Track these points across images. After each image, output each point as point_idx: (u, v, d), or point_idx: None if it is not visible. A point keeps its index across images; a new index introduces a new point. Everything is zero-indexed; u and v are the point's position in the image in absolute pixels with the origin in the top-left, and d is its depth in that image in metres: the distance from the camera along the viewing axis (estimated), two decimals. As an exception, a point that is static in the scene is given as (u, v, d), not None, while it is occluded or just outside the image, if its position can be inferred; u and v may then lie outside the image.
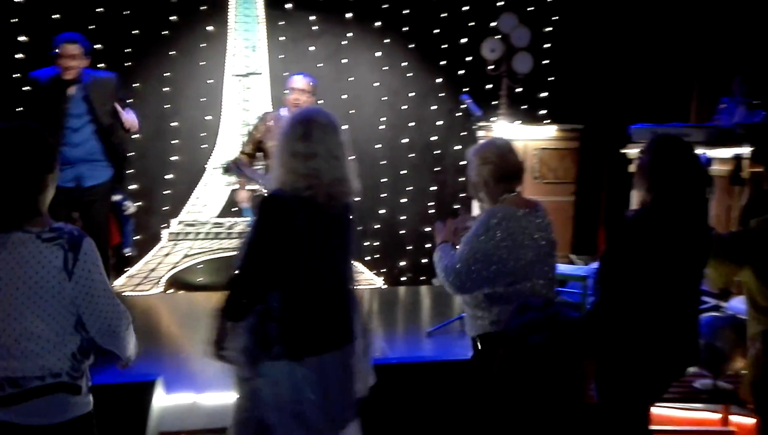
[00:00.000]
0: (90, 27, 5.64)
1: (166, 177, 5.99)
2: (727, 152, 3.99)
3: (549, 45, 6.47)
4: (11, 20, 5.51)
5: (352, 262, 2.35)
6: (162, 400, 2.98)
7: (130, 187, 5.81)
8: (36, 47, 5.46)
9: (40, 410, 1.89)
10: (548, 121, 6.41)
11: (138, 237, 5.75)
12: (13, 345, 1.88)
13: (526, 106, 6.47)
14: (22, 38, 5.53)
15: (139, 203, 5.60)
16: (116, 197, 5.43)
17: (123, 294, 5.82)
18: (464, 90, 6.14)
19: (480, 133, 5.72)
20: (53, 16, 5.57)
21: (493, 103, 6.23)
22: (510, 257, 2.40)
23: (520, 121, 6.24)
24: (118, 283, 5.86)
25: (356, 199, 2.31)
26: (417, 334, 4.92)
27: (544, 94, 6.52)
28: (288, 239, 2.11)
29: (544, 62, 6.43)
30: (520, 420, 1.45)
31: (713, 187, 4.04)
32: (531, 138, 5.91)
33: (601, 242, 6.47)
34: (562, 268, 4.31)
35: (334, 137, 2.22)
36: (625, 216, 2.55)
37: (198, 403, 3.32)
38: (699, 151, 4.04)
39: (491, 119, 5.98)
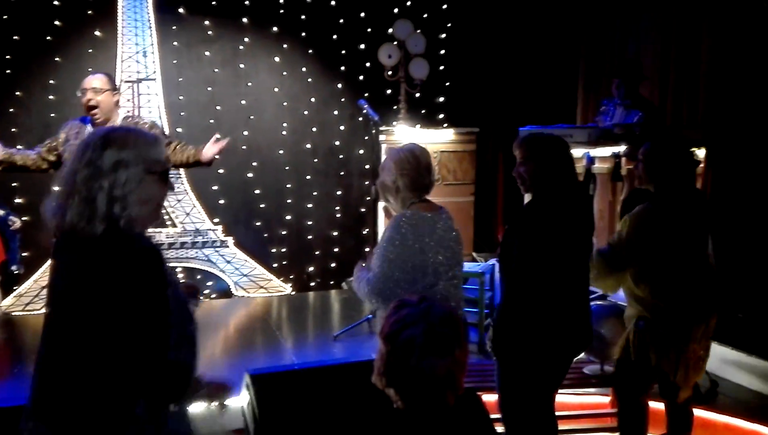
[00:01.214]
0: (-37, 32, 5.29)
1: (54, 189, 5.67)
2: (607, 151, 4.27)
3: (444, 51, 6.68)
4: None
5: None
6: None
7: (17, 201, 5.48)
8: None
9: None
10: (446, 124, 6.61)
11: (26, 253, 5.42)
12: None
13: (424, 111, 6.64)
14: None
15: (26, 218, 5.28)
16: (0, 212, 5.12)
17: (12, 314, 5.46)
18: (363, 95, 6.22)
19: (381, 138, 5.82)
20: None
21: (393, 107, 6.35)
22: (423, 259, 2.46)
23: (420, 125, 6.40)
24: (6, 302, 5.49)
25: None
26: (326, 338, 4.93)
27: (441, 99, 6.72)
28: None
29: (440, 68, 6.63)
30: (403, 413, 1.51)
31: (596, 184, 4.31)
32: (430, 141, 6.06)
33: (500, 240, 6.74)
34: (464, 265, 4.45)
35: (85, 156, 1.65)
36: (520, 211, 2.68)
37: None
38: (582, 150, 4.33)
39: (392, 123, 6.10)
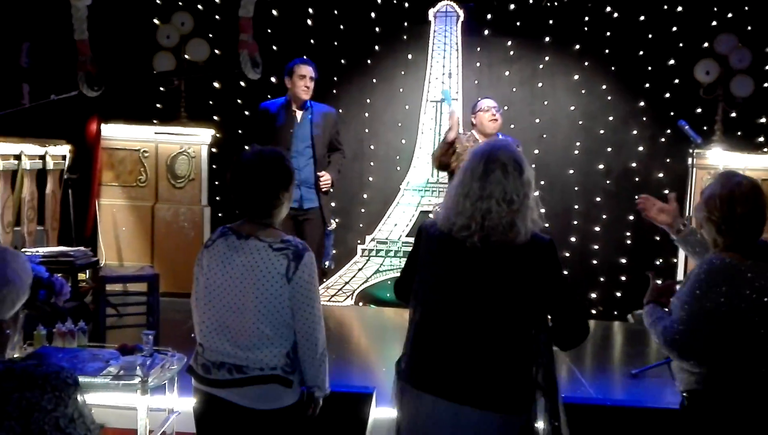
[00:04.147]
0: (303, 57, 6.13)
1: (363, 196, 6.30)
2: None
3: (771, 66, 5.87)
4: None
5: (513, 314, 2.02)
6: (373, 412, 3.09)
7: (331, 205, 6.19)
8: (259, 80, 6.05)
9: (256, 396, 2.14)
10: (767, 149, 5.82)
11: (335, 251, 6.09)
12: (241, 337, 2.15)
13: (740, 133, 5.92)
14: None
15: (338, 220, 5.93)
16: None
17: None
18: (669, 114, 5.79)
19: (689, 161, 5.32)
20: (273, 48, 6.13)
21: (703, 128, 5.77)
22: (736, 317, 2.09)
23: (734, 150, 5.72)
24: (315, 292, 6.23)
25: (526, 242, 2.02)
26: (612, 373, 4.65)
27: (762, 120, 5.92)
28: (414, 262, 2.15)
29: (765, 85, 5.84)
30: None
31: None
32: (750, 168, 5.38)
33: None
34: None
35: (516, 178, 2.02)
36: None
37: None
38: None
39: (705, 147, 5.55)
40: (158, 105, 6.22)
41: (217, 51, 6.10)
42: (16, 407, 1.39)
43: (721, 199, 2.13)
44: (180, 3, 6.15)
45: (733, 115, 5.86)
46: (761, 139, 5.91)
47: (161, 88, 6.17)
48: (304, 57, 4.69)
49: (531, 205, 2.04)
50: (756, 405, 2.09)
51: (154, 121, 6.16)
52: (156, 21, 6.12)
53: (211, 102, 6.22)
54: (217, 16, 6.13)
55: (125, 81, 5.94)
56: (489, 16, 6.15)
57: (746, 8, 5.79)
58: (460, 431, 1.97)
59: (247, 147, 6.00)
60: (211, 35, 6.10)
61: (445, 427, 1.98)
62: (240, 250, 2.16)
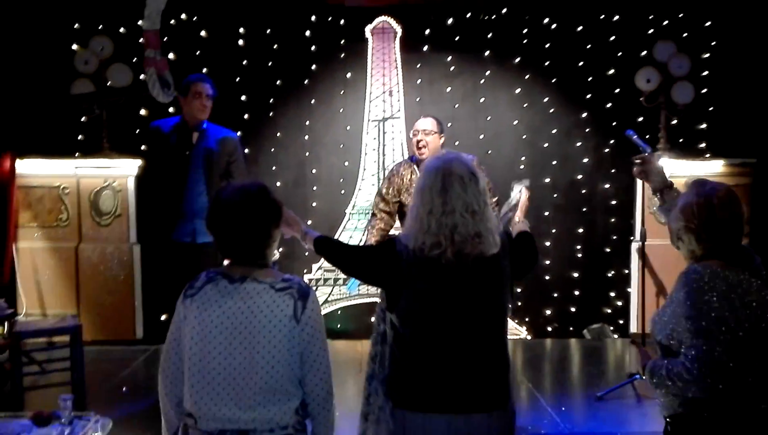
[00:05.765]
0: (236, 79, 5.83)
1: (308, 223, 5.98)
2: None
3: (707, 73, 5.92)
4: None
5: (497, 320, 2.12)
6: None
7: (274, 234, 5.85)
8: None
9: None
10: (709, 155, 5.84)
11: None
12: (246, 395, 1.87)
13: (682, 140, 5.94)
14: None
15: (282, 249, 5.60)
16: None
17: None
18: (613, 123, 5.75)
19: (636, 170, 5.26)
20: (203, 70, 5.78)
21: (646, 136, 5.74)
22: (731, 325, 1.94)
23: (678, 156, 5.72)
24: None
25: (495, 251, 2.08)
26: (575, 396, 4.48)
27: (702, 126, 5.95)
28: (393, 281, 2.10)
29: (703, 91, 5.88)
30: None
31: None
32: (693, 174, 5.36)
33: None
34: None
35: (474, 188, 2.06)
36: None
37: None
38: None
39: (648, 154, 5.51)
40: (78, 136, 5.77)
41: (142, 76, 5.70)
42: None
43: (699, 205, 2.05)
44: (99, 27, 5.74)
45: (675, 122, 5.87)
46: (703, 145, 5.94)
47: (82, 119, 5.72)
48: (201, 73, 4.32)
49: (490, 212, 2.10)
50: (740, 426, 1.96)
51: (75, 155, 5.71)
52: (74, 46, 5.69)
53: (137, 130, 5.81)
54: (141, 39, 5.73)
55: (41, 112, 5.48)
56: (427, 32, 6.00)
57: (681, 15, 5.84)
58: None
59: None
60: (134, 59, 5.71)
61: None
62: (236, 295, 1.91)
